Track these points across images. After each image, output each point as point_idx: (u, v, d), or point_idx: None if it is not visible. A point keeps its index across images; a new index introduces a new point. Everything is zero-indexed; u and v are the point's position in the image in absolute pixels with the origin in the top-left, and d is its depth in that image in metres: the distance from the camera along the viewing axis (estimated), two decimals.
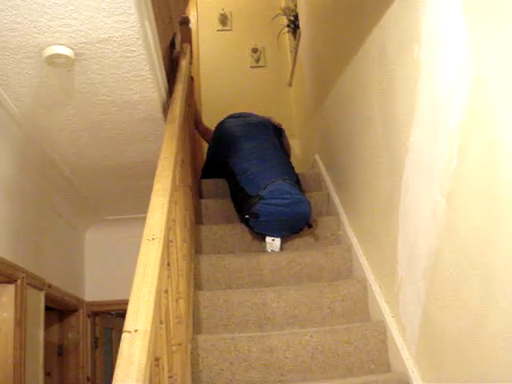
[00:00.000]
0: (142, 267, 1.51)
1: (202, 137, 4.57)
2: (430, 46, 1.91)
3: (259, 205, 3.18)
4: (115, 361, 4.13)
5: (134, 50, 2.30)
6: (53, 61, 2.26)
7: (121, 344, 1.24)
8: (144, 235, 1.69)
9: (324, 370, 2.44)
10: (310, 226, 3.30)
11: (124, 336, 1.26)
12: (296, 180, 3.50)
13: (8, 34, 2.12)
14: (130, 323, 1.30)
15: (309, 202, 3.27)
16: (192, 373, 2.36)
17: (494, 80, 1.49)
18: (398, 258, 2.36)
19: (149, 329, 1.29)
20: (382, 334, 2.50)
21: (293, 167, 3.70)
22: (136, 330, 1.27)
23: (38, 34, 2.12)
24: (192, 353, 2.39)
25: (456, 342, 1.82)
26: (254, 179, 3.35)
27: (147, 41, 2.32)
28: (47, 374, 3.79)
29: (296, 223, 3.28)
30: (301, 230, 3.33)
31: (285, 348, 2.46)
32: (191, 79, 4.04)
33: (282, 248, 3.27)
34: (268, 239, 3.25)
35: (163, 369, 1.54)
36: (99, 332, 4.66)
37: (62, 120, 2.81)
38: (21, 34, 2.12)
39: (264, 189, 3.23)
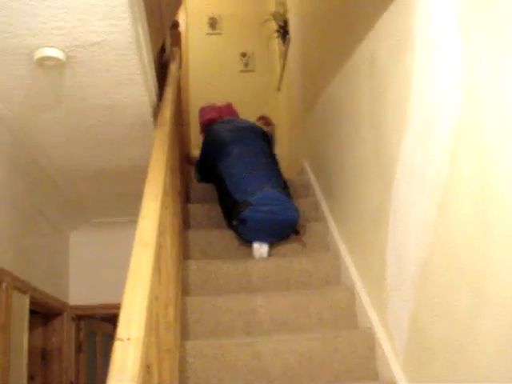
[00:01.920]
0: (134, 274, 1.50)
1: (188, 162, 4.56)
2: (422, 55, 1.92)
3: (247, 211, 3.17)
4: (99, 365, 4.07)
5: (126, 54, 2.29)
6: (44, 63, 2.25)
7: (113, 352, 1.23)
8: (136, 241, 1.68)
9: (312, 378, 2.44)
10: (297, 233, 3.31)
11: (116, 344, 1.25)
12: (284, 186, 3.50)
13: None
14: (122, 331, 1.29)
15: (297, 209, 3.27)
16: (179, 379, 2.35)
17: (486, 89, 1.50)
18: (387, 265, 2.37)
19: (141, 336, 1.28)
20: (369, 341, 2.51)
21: (281, 173, 3.70)
22: (128, 338, 1.26)
23: (30, 35, 2.11)
24: (180, 359, 2.38)
25: (444, 351, 1.82)
26: (242, 185, 3.34)
27: (139, 45, 2.31)
28: (31, 378, 3.74)
29: (284, 230, 3.29)
30: (288, 236, 3.33)
31: (272, 355, 2.45)
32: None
33: (269, 254, 3.26)
34: (255, 245, 3.25)
35: (154, 376, 1.53)
36: (83, 336, 4.62)
37: (52, 123, 2.79)
38: (12, 35, 2.10)
39: (252, 195, 3.23)
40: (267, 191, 3.26)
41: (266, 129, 4.14)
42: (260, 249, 3.24)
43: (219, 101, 4.61)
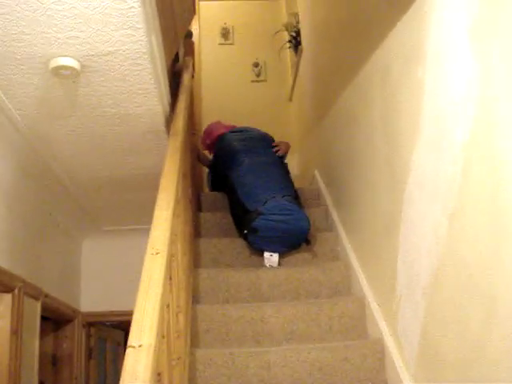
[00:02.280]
0: (146, 282, 1.51)
1: (199, 161, 4.54)
2: (434, 67, 1.93)
3: (258, 220, 3.18)
4: (109, 372, 4.08)
5: (140, 64, 2.31)
6: (59, 72, 2.27)
7: (125, 359, 1.24)
8: (148, 249, 1.70)
9: None
10: (308, 243, 3.31)
11: (128, 351, 1.26)
12: (295, 196, 3.51)
13: (15, 45, 2.12)
14: (134, 338, 1.30)
15: (308, 219, 3.27)
16: None
17: (500, 101, 1.50)
18: (398, 275, 2.36)
19: (153, 344, 1.29)
20: (379, 352, 2.50)
21: (292, 183, 3.70)
22: (140, 345, 1.27)
23: (45, 45, 2.13)
24: (190, 367, 2.38)
25: (456, 363, 1.81)
26: (254, 194, 3.35)
27: (153, 55, 2.33)
28: (41, 383, 3.76)
29: (295, 239, 3.29)
30: (299, 246, 3.33)
31: (283, 364, 2.45)
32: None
33: (280, 264, 3.27)
34: (266, 254, 3.25)
35: (164, 383, 1.54)
36: (93, 343, 4.64)
37: (65, 131, 2.81)
38: (28, 44, 2.13)
39: (263, 204, 3.24)
40: (278, 200, 3.27)
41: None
42: (271, 258, 3.24)
43: (231, 110, 4.63)
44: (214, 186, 4.14)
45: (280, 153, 3.90)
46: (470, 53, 1.66)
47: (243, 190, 3.43)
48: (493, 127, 1.54)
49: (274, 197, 3.30)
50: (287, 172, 3.79)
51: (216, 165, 4.02)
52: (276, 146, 3.95)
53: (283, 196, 3.33)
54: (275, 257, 3.25)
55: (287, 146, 4.01)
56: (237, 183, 3.51)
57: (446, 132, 1.84)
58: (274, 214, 3.20)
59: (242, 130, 4.06)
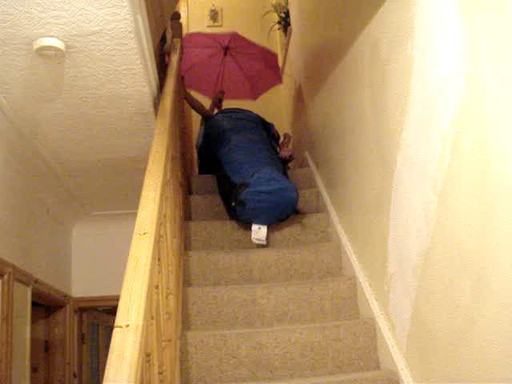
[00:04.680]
0: (134, 262, 1.49)
1: (189, 103, 4.50)
2: (423, 43, 1.91)
3: (246, 192, 3.17)
4: (102, 357, 4.07)
5: (126, 44, 2.28)
6: (43, 53, 2.24)
7: (112, 339, 1.22)
8: (135, 230, 1.68)
9: (313, 367, 2.43)
10: (297, 213, 3.29)
11: (115, 331, 1.24)
12: (284, 172, 3.50)
13: None
14: (121, 318, 1.28)
15: (296, 189, 3.27)
16: (181, 369, 2.35)
17: (488, 77, 1.48)
18: (389, 255, 2.36)
19: (140, 324, 1.27)
20: (371, 331, 2.50)
21: (281, 160, 3.71)
22: (127, 325, 1.26)
23: (29, 25, 2.10)
24: (181, 349, 2.38)
25: (447, 340, 1.82)
26: (241, 169, 3.35)
27: (139, 34, 2.30)
28: (33, 369, 3.75)
29: (283, 210, 3.27)
30: (288, 217, 3.32)
31: (274, 345, 2.45)
32: (181, 78, 4.02)
33: (271, 245, 3.26)
34: (254, 227, 3.23)
35: (154, 365, 1.53)
36: (86, 328, 4.63)
37: (51, 113, 2.78)
38: (11, 25, 2.09)
39: (251, 177, 3.23)
40: (265, 172, 3.25)
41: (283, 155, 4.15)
42: (259, 231, 3.21)
43: None
44: (204, 168, 4.12)
45: (284, 154, 3.98)
46: (458, 28, 1.64)
47: (231, 165, 3.42)
48: (482, 102, 1.53)
49: (261, 169, 3.28)
50: (276, 151, 3.80)
51: (205, 145, 4.01)
52: (283, 146, 4.05)
53: (270, 170, 3.31)
54: (263, 229, 3.22)
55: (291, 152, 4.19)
56: (224, 160, 3.51)
57: (434, 109, 1.83)
58: (261, 185, 3.19)
59: (230, 111, 4.05)
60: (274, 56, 5.35)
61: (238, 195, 3.17)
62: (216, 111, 4.60)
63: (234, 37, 5.13)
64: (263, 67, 5.28)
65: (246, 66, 5.36)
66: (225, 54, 5.29)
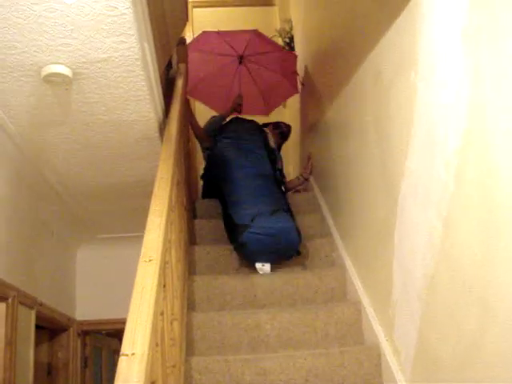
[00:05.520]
0: (139, 289, 1.50)
1: (192, 128, 4.49)
2: (426, 71, 1.93)
3: (246, 234, 3.18)
4: (104, 380, 4.03)
5: (133, 71, 2.30)
6: (51, 79, 2.26)
7: (118, 367, 1.23)
8: (141, 256, 1.68)
9: None
10: (299, 254, 3.30)
11: (121, 359, 1.24)
12: (287, 208, 3.48)
13: (7, 52, 2.11)
14: (127, 346, 1.28)
15: (298, 230, 3.26)
16: None
17: (491, 105, 1.50)
18: (393, 280, 2.36)
19: (146, 352, 1.28)
20: (376, 357, 2.49)
21: (284, 194, 3.71)
22: (133, 354, 1.26)
23: (37, 52, 2.12)
24: (185, 374, 2.37)
25: (452, 366, 1.81)
26: (243, 209, 3.34)
27: (146, 61, 2.32)
28: None
29: (285, 252, 3.29)
30: (290, 257, 3.32)
31: (279, 371, 2.43)
32: (187, 100, 4.04)
33: (275, 270, 3.25)
34: (258, 265, 3.23)
35: None
36: (89, 351, 4.61)
37: (58, 138, 2.80)
38: (20, 52, 2.11)
39: (252, 219, 3.23)
40: (267, 214, 3.27)
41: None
42: (263, 268, 3.22)
43: None
44: (208, 193, 4.12)
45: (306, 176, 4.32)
46: (461, 55, 1.66)
47: (233, 205, 3.43)
48: (484, 130, 1.54)
49: (263, 211, 3.29)
50: (280, 183, 3.80)
51: (209, 173, 4.02)
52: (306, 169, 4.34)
53: (273, 209, 3.32)
54: (267, 266, 3.23)
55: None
56: (227, 197, 3.52)
57: (438, 136, 1.84)
58: (261, 228, 3.20)
59: (234, 131, 4.04)
60: (294, 58, 5.05)
61: (239, 237, 3.19)
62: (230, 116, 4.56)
63: (252, 41, 4.87)
64: (279, 78, 5.05)
65: (260, 79, 5.15)
66: (240, 62, 5.06)
